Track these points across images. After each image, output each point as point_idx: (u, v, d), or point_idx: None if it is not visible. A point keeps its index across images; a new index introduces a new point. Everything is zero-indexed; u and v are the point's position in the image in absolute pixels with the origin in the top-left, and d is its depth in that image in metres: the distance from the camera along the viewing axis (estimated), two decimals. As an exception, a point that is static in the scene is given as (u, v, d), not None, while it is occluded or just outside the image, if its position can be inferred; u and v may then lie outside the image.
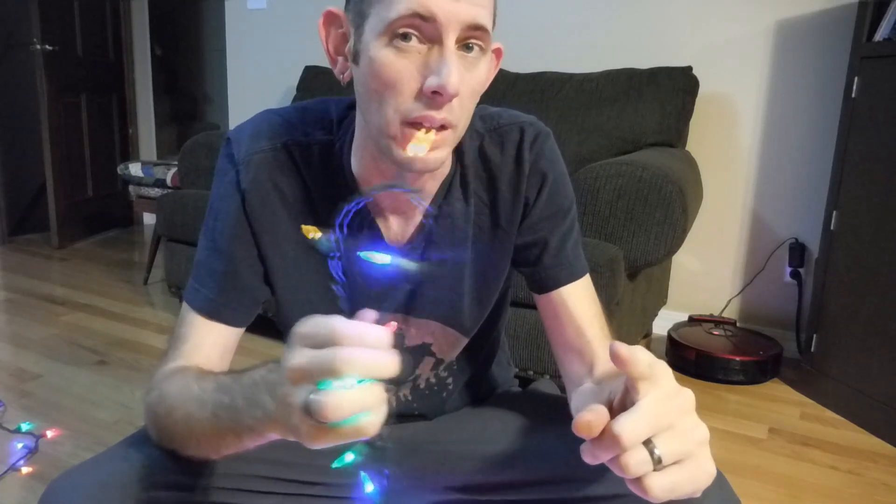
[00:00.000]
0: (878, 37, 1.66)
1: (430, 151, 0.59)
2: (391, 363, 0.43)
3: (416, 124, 0.57)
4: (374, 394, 0.42)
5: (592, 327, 0.73)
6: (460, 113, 0.59)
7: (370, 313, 0.47)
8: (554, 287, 0.74)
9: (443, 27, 0.54)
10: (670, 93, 2.01)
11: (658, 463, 0.43)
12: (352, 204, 0.52)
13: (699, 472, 0.45)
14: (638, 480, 0.43)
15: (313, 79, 2.66)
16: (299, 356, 0.43)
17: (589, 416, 0.44)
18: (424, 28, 0.55)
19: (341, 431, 0.42)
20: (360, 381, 0.42)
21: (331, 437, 0.43)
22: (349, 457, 0.48)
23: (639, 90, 2.05)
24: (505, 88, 2.25)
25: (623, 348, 0.45)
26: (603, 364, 0.70)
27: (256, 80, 3.10)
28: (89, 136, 3.62)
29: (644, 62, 2.14)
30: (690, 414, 0.46)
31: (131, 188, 2.97)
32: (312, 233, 0.52)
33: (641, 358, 0.45)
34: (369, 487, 0.51)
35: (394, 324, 0.46)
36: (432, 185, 0.70)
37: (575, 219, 0.77)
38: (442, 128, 0.58)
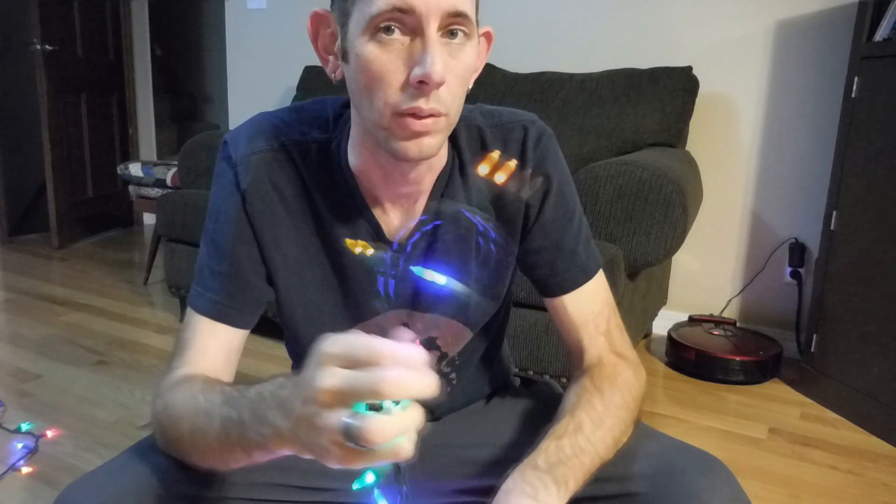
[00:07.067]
0: (878, 37, 1.66)
1: (424, 138, 0.59)
2: (432, 384, 0.41)
3: (406, 115, 0.58)
4: (413, 416, 0.41)
5: (586, 326, 0.76)
6: (450, 100, 0.59)
7: (406, 332, 0.45)
8: (569, 290, 0.75)
9: (423, 17, 0.55)
10: (670, 93, 2.01)
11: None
12: (428, 226, 0.49)
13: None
14: None
15: (313, 79, 2.66)
16: (332, 377, 0.42)
17: None
18: (405, 20, 0.56)
19: (378, 454, 0.41)
20: (395, 404, 0.40)
21: (366, 460, 0.42)
22: (370, 477, 0.46)
23: (639, 90, 2.05)
24: (505, 88, 2.25)
25: None
26: (587, 360, 0.75)
27: (256, 80, 3.10)
28: (89, 136, 3.62)
29: (644, 62, 2.14)
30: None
31: (131, 188, 2.97)
32: (360, 248, 0.49)
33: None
34: None
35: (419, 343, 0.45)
36: (430, 178, 0.70)
37: (581, 216, 0.78)
38: (432, 116, 0.58)
